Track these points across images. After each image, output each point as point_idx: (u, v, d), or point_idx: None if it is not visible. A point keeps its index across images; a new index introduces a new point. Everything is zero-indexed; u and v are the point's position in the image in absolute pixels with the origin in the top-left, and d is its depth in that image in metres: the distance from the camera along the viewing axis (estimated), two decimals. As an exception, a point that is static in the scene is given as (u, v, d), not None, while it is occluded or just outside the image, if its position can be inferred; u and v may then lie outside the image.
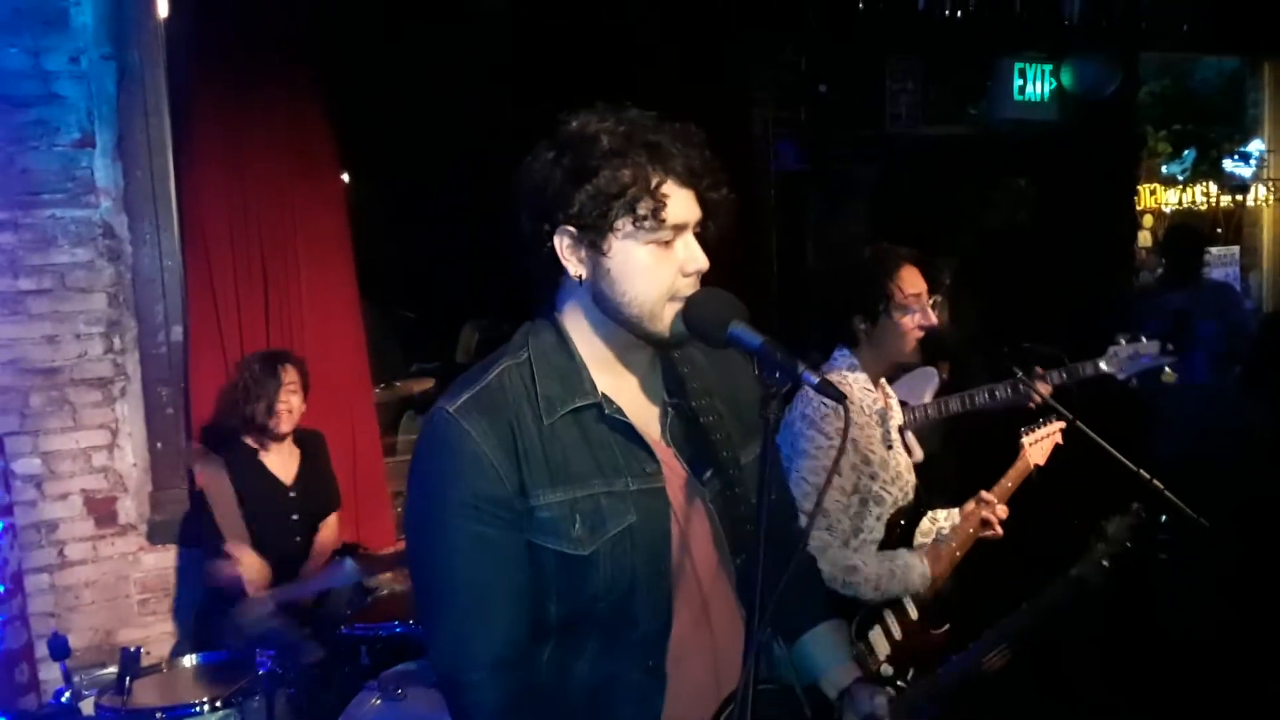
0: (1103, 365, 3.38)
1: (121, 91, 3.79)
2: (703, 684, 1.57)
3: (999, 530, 2.69)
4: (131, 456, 3.88)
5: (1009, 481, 2.88)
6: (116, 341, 3.83)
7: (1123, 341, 3.36)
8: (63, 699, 2.74)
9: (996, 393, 3.42)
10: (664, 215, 1.46)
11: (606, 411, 1.54)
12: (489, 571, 1.48)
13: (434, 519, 1.50)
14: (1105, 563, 2.47)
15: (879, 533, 2.55)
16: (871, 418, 2.52)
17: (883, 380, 2.67)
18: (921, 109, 5.76)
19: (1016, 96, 6.27)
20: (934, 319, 2.55)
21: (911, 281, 2.53)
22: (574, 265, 1.51)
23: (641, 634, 1.54)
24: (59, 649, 2.58)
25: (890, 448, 2.59)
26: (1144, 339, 3.37)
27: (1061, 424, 3.06)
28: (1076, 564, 2.48)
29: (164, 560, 3.95)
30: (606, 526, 1.51)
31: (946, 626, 2.60)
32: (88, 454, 3.82)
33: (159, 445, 3.92)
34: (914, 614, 2.56)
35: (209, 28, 3.88)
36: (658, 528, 1.55)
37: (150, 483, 3.92)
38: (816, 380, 1.45)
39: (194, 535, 3.73)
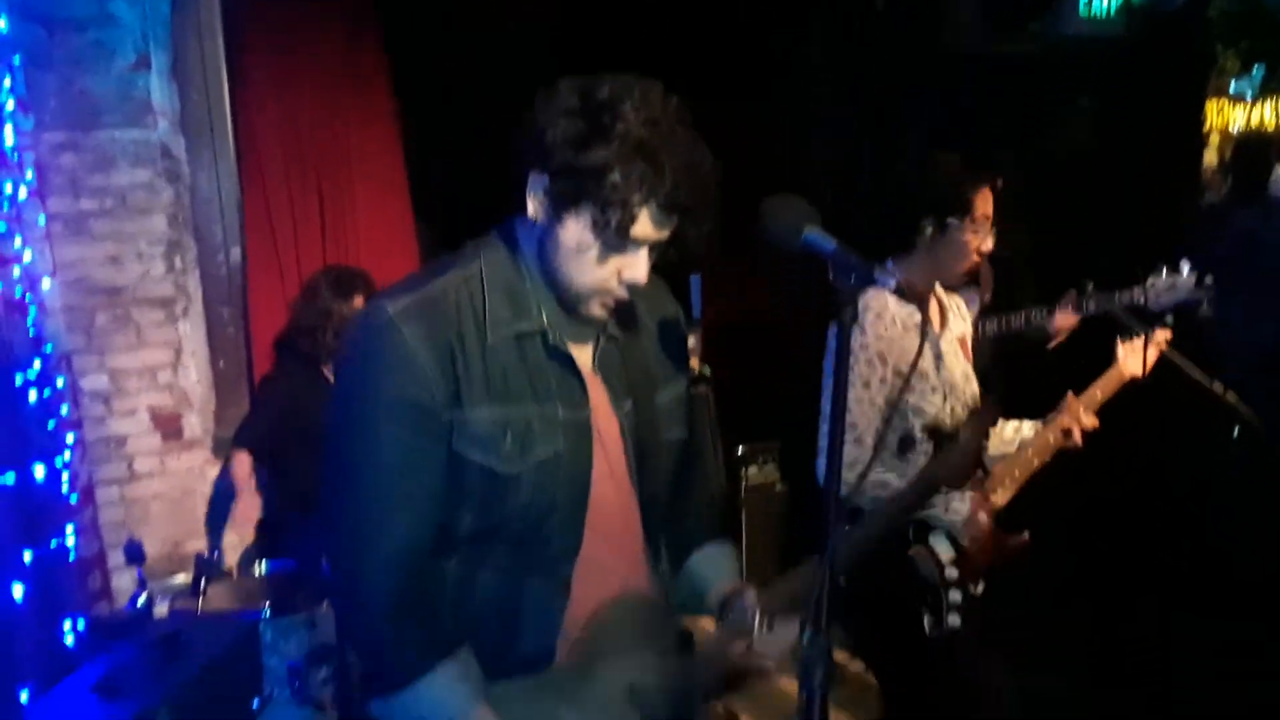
0: (1139, 296, 3.27)
1: (175, 13, 3.81)
2: (602, 602, 1.63)
3: (1079, 441, 2.64)
4: (195, 374, 3.97)
5: (1099, 391, 2.81)
6: (177, 262, 3.90)
7: (1163, 273, 3.26)
8: (138, 603, 2.84)
9: (1031, 318, 3.40)
10: (627, 231, 1.47)
11: (550, 341, 1.57)
12: (406, 474, 1.51)
13: (359, 417, 1.52)
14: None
15: (931, 444, 2.49)
16: (909, 330, 2.46)
17: (938, 289, 2.61)
18: (982, 26, 5.59)
19: (1082, 12, 6.06)
20: (991, 247, 2.51)
21: (985, 202, 2.49)
22: (533, 207, 1.53)
23: (552, 552, 1.59)
24: (134, 553, 2.68)
25: (940, 358, 2.53)
26: (1183, 271, 3.25)
27: (1167, 333, 2.98)
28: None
29: (229, 475, 4.05)
30: (535, 449, 1.55)
31: (1025, 534, 2.55)
32: (153, 372, 3.91)
33: (221, 363, 4.00)
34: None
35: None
36: (582, 456, 1.60)
37: (214, 400, 4.01)
38: (894, 282, 1.45)
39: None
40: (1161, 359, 3.00)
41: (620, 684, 1.60)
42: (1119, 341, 2.94)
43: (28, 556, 2.47)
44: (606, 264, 1.51)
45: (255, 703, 2.42)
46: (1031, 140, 5.03)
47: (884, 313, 2.45)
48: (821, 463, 2.44)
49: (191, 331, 3.95)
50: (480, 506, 1.54)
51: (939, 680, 2.43)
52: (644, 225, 1.48)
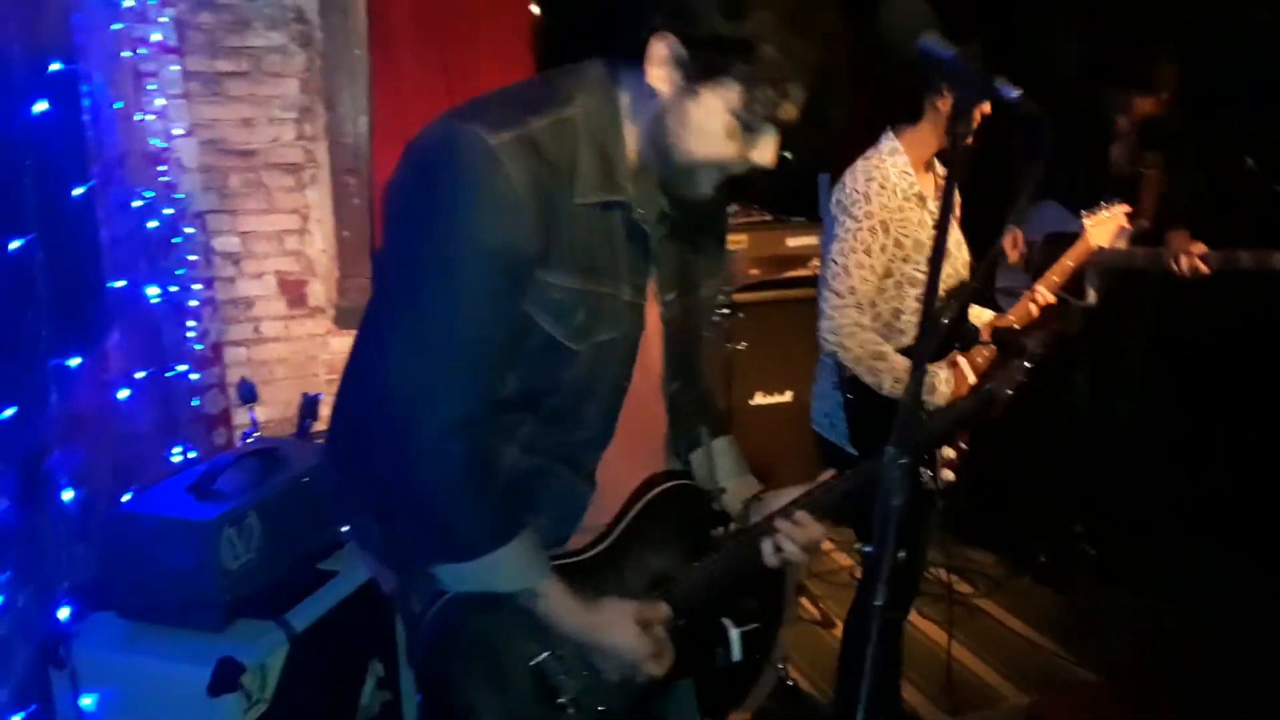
0: None
1: None
2: (622, 496, 1.59)
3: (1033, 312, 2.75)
4: (320, 242, 4.03)
5: (1070, 260, 2.92)
6: (307, 128, 3.93)
7: None
8: (249, 441, 2.91)
9: (1180, 259, 3.17)
10: (774, 110, 1.35)
11: (634, 216, 1.45)
12: (490, 327, 1.38)
13: (451, 259, 1.34)
14: (1020, 376, 2.39)
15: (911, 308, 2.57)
16: (909, 200, 2.53)
17: (936, 162, 2.64)
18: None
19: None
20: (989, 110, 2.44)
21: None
22: (656, 77, 1.36)
23: (583, 437, 1.52)
24: (247, 393, 2.73)
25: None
26: None
27: (1125, 207, 3.04)
28: (992, 380, 2.39)
29: (349, 344, 4.08)
30: (600, 329, 1.45)
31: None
32: (280, 237, 3.99)
33: (345, 233, 4.05)
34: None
35: None
36: (633, 344, 1.51)
37: (337, 269, 4.08)
38: (1016, 93, 1.29)
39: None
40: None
41: (646, 576, 1.60)
42: (1082, 214, 3.03)
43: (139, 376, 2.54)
44: (732, 144, 1.39)
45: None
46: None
47: (886, 183, 2.51)
48: (823, 324, 2.51)
49: (319, 199, 3.99)
50: (530, 373, 1.44)
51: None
52: (788, 107, 1.36)
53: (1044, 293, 2.78)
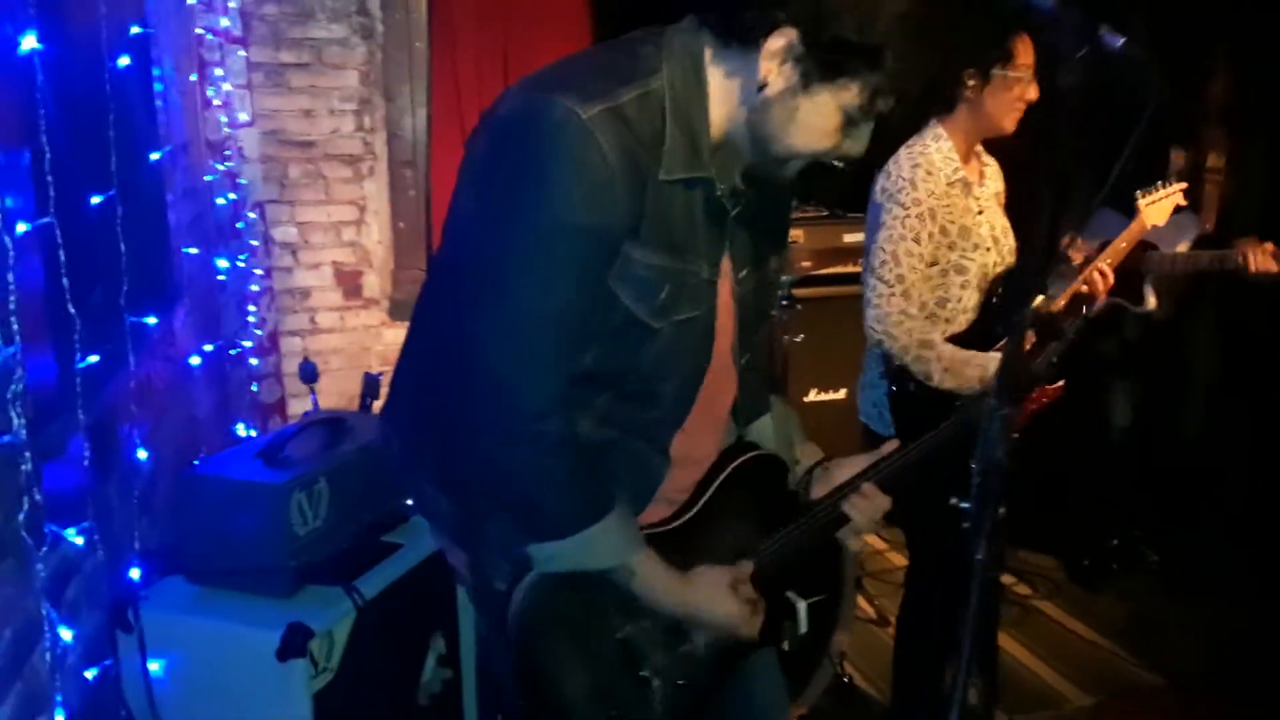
0: None
1: None
2: (691, 468, 1.57)
3: (1099, 290, 2.74)
4: (377, 234, 4.06)
5: (1124, 242, 2.85)
6: (366, 120, 3.96)
7: None
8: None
9: (1249, 256, 3.08)
10: (877, 104, 1.34)
11: (717, 193, 1.42)
12: (580, 305, 1.34)
13: (543, 236, 1.30)
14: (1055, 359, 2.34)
15: (970, 300, 2.56)
16: (954, 186, 2.51)
17: (980, 149, 2.64)
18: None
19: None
20: (1036, 95, 2.45)
21: (1026, 51, 2.46)
22: (770, 71, 1.32)
23: (657, 416, 1.49)
24: (309, 373, 2.73)
25: (981, 214, 2.57)
26: None
27: (1182, 185, 2.95)
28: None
29: (403, 336, 4.11)
30: (681, 307, 1.42)
31: (1061, 383, 2.49)
32: (338, 228, 4.02)
33: (401, 225, 4.07)
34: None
35: None
36: (710, 322, 1.49)
37: (392, 261, 4.09)
38: (1120, 41, 1.26)
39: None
40: None
41: (728, 548, 1.58)
42: (1138, 195, 2.92)
43: (206, 349, 2.55)
44: (834, 137, 1.37)
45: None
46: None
47: (933, 169, 2.49)
48: (870, 314, 2.48)
49: (376, 191, 4.02)
50: (610, 350, 1.41)
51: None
52: (886, 100, 1.35)
53: (1100, 272, 2.74)
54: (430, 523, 1.64)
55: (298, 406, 3.98)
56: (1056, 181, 1.27)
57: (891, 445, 1.67)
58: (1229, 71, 3.66)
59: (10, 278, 1.20)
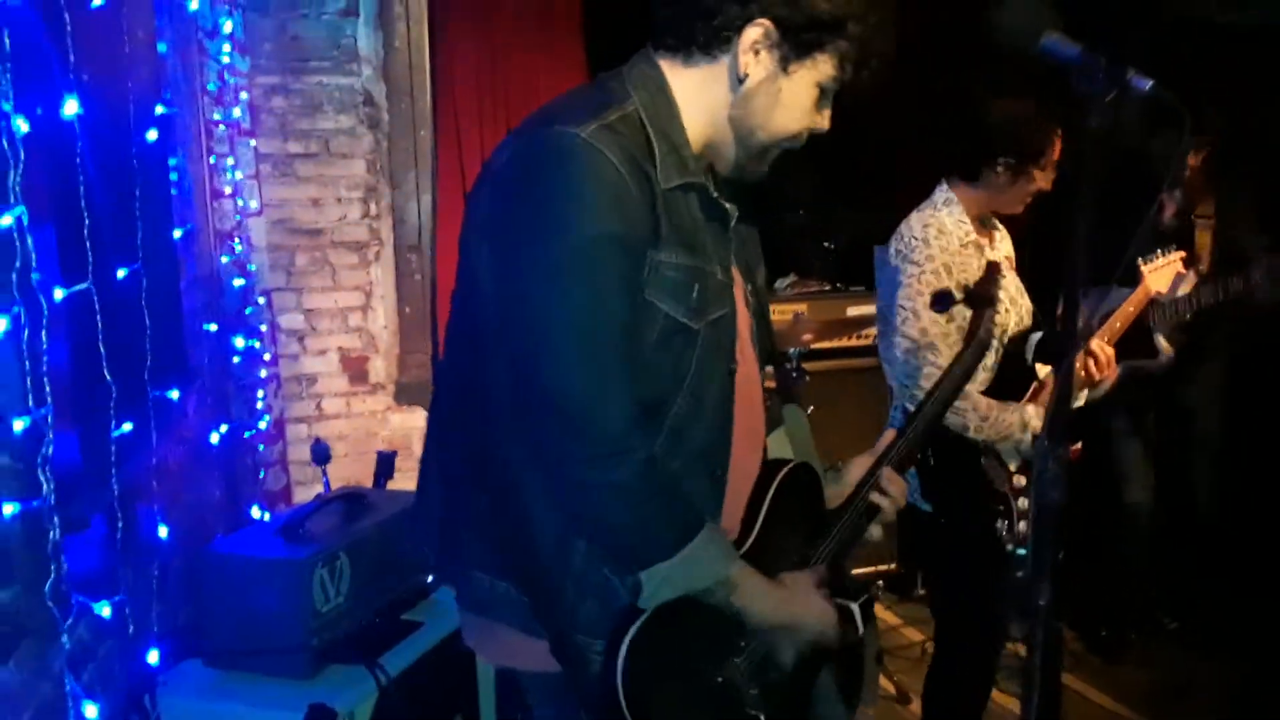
0: None
1: (382, -38, 3.95)
2: (739, 484, 1.56)
3: (1095, 372, 2.58)
4: (383, 319, 4.06)
5: (1130, 306, 2.80)
6: (372, 207, 4.01)
7: None
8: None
9: (1252, 277, 3.09)
10: (846, 71, 1.43)
11: (713, 194, 1.48)
12: (628, 324, 1.34)
13: (580, 254, 1.30)
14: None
15: (988, 359, 2.54)
16: (967, 247, 2.54)
17: (994, 219, 2.69)
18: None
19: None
20: (1050, 185, 2.55)
21: (1057, 148, 2.55)
22: (750, 64, 1.41)
23: (707, 439, 1.47)
24: (321, 454, 2.71)
25: None
26: None
27: (1182, 253, 2.94)
28: None
29: (409, 420, 4.12)
30: (713, 305, 1.45)
31: (1078, 444, 2.45)
32: (344, 313, 4.02)
33: (407, 309, 4.08)
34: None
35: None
36: (734, 324, 1.51)
37: (398, 345, 4.09)
38: (1148, 84, 1.30)
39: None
40: None
41: (789, 561, 1.59)
42: (1140, 262, 2.86)
43: (222, 429, 2.52)
44: (811, 115, 1.46)
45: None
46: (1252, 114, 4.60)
47: (944, 230, 2.52)
48: (898, 371, 2.51)
49: (382, 276, 4.04)
50: (654, 369, 1.39)
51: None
52: (865, 70, 1.45)
53: (1091, 354, 2.66)
54: (480, 617, 1.51)
55: (303, 494, 3.93)
56: (1088, 230, 1.29)
57: (890, 435, 1.75)
58: (1214, 115, 3.71)
59: (44, 339, 1.19)
